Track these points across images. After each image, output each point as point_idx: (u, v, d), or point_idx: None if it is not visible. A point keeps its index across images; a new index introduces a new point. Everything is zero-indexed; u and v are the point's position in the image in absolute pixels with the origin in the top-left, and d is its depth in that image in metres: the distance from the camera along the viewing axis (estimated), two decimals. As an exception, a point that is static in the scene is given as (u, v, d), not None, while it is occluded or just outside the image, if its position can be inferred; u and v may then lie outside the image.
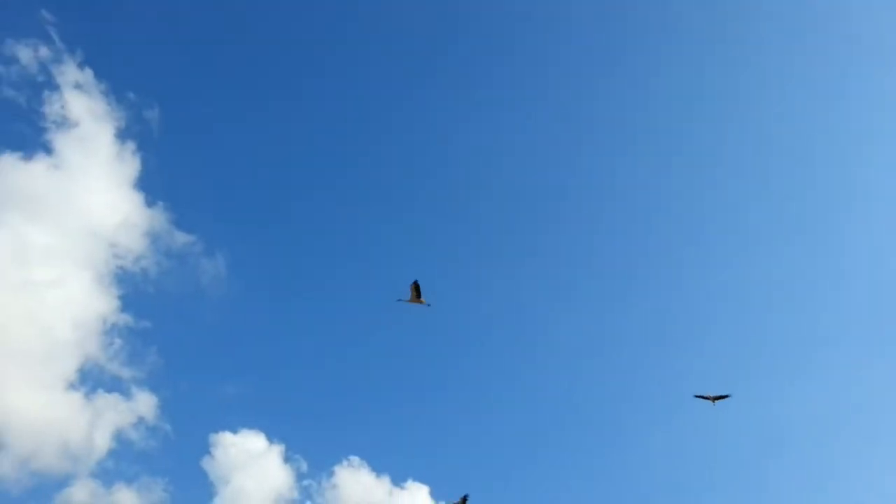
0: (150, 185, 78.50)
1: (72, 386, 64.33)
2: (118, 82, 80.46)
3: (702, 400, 57.26)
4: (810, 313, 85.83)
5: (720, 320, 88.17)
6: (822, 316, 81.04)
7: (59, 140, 67.83)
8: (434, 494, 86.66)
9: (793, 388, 79.76)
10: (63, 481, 66.00)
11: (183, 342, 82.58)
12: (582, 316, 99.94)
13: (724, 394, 56.29)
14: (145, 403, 68.97)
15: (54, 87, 68.97)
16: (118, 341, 67.89)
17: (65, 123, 67.87)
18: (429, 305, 36.50)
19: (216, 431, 68.44)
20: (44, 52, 70.12)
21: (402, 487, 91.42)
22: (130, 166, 73.83)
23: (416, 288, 35.55)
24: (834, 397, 79.95)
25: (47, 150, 66.55)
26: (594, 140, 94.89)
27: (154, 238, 78.00)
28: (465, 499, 54.73)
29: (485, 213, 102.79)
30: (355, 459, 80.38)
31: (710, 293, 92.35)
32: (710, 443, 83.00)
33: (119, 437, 67.50)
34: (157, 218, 77.09)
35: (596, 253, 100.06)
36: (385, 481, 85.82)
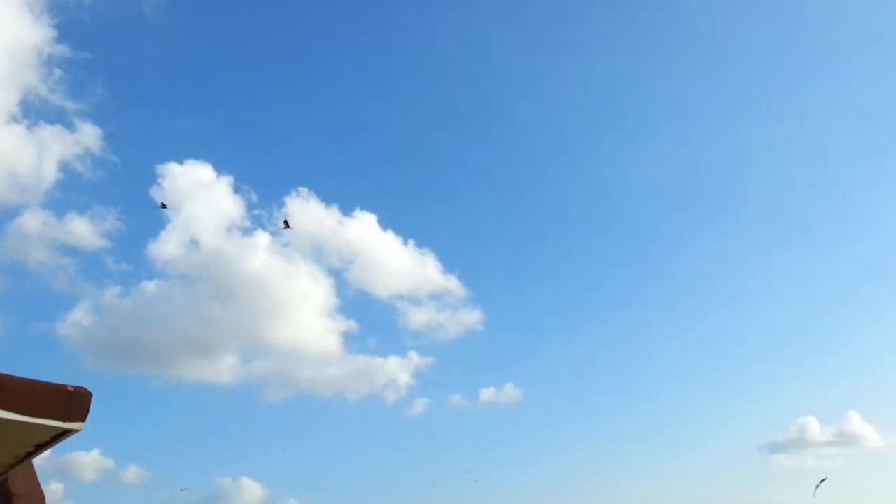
0: None
1: (14, 118, 60.40)
2: None
3: None
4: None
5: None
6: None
7: None
8: (381, 222, 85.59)
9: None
10: (13, 212, 63.86)
11: (129, 74, 78.29)
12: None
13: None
14: (91, 135, 64.94)
15: None
16: (58, 72, 62.96)
17: None
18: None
19: (163, 162, 66.32)
20: None
21: (350, 216, 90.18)
22: None
23: None
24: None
25: None
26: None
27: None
28: (162, 205, 53.69)
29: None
30: (304, 190, 78.81)
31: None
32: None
33: (66, 168, 64.02)
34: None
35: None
36: (334, 211, 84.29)
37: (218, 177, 66.25)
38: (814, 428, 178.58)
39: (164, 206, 62.42)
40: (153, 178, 64.35)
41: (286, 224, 58.76)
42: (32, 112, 68.77)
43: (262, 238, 68.54)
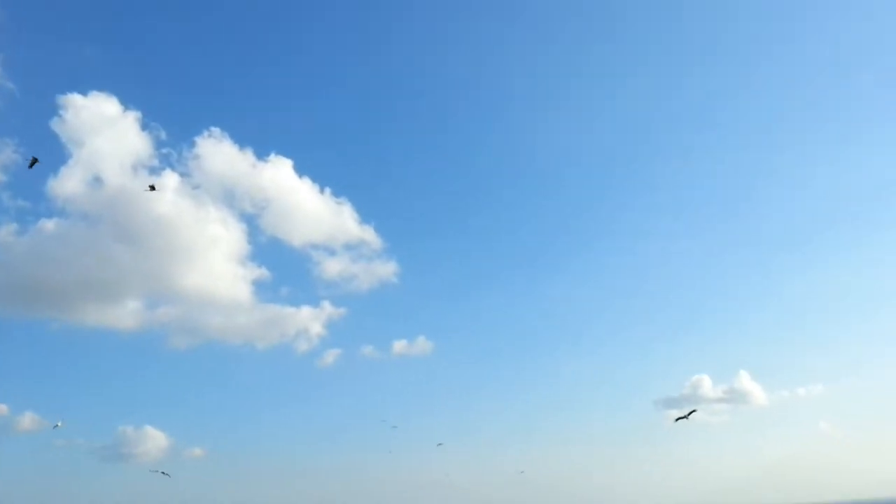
0: None
1: None
2: None
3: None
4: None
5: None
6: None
7: None
8: (298, 168, 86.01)
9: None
10: None
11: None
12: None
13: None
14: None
15: None
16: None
17: None
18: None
19: (65, 93, 63.48)
20: None
21: (265, 161, 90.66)
22: None
23: None
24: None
25: None
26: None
27: None
28: (34, 161, 53.99)
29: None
30: (216, 130, 78.50)
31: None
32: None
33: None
34: None
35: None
36: (248, 154, 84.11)
37: (124, 111, 62.95)
38: (706, 385, 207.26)
39: (152, 188, 58.43)
40: (53, 110, 60.82)
41: (151, 188, 55.31)
42: None
43: (170, 178, 65.67)
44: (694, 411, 67.93)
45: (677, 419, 68.47)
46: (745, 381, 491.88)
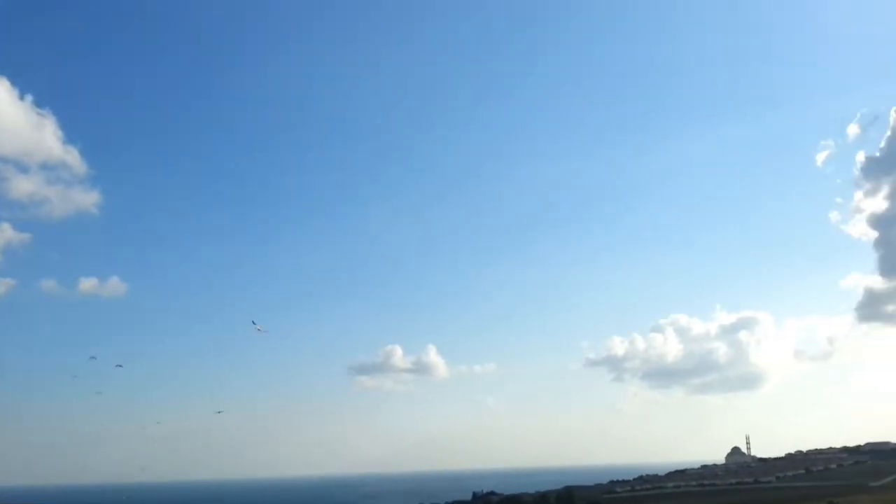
0: None
1: None
2: None
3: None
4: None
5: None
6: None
7: None
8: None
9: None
10: None
11: None
12: None
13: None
14: None
15: None
16: None
17: None
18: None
19: None
20: None
21: None
22: None
23: None
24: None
25: None
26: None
27: None
28: None
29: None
30: None
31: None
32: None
33: None
34: None
35: None
36: None
37: None
38: (397, 355, 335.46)
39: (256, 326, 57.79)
40: None
41: None
42: None
43: None
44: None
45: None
46: (432, 354, 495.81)
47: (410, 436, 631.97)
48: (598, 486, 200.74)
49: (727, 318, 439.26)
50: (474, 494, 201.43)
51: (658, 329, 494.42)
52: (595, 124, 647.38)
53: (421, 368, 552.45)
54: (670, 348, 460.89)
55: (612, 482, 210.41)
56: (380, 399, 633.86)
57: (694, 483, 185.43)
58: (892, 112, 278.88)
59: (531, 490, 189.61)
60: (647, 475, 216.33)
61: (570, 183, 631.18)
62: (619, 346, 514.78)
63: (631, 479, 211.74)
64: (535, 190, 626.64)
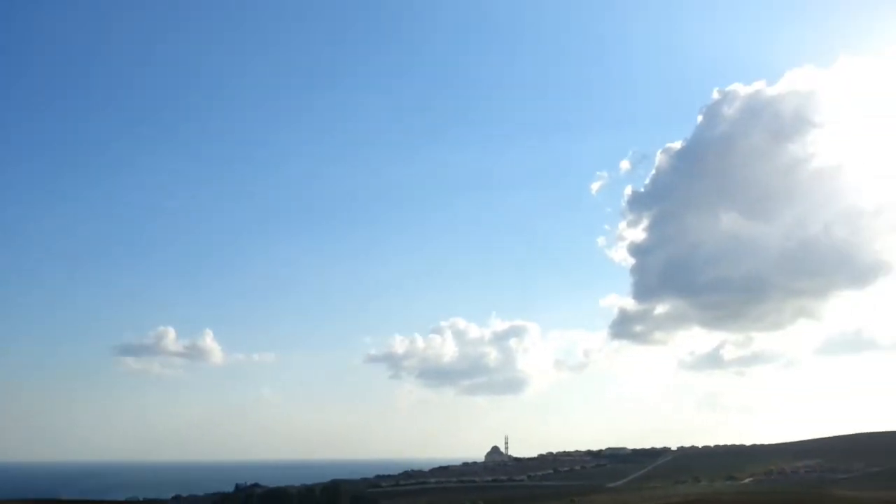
0: None
1: None
2: None
3: None
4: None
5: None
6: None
7: None
8: None
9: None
10: None
11: None
12: None
13: None
14: None
15: None
16: None
17: None
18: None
19: None
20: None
21: None
22: None
23: None
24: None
25: None
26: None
27: None
28: None
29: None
30: None
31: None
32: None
33: None
34: None
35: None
36: None
37: None
38: (170, 337, 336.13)
39: None
40: None
41: None
42: None
43: None
44: None
45: None
46: (208, 339, 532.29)
47: (174, 424, 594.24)
48: (364, 480, 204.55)
49: (501, 325, 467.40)
50: (237, 486, 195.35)
51: (438, 331, 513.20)
52: (401, 128, 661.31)
53: (195, 353, 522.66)
54: (447, 350, 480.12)
55: (377, 476, 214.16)
56: (146, 383, 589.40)
57: (454, 479, 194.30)
58: (658, 154, 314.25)
59: (297, 483, 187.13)
60: (412, 470, 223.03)
61: (367, 182, 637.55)
62: (399, 344, 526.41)
63: (396, 473, 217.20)
64: (331, 183, 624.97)
